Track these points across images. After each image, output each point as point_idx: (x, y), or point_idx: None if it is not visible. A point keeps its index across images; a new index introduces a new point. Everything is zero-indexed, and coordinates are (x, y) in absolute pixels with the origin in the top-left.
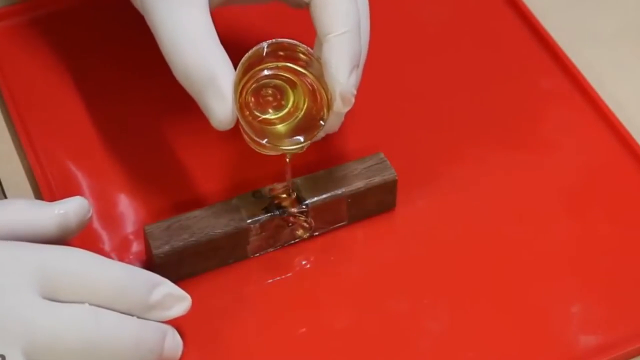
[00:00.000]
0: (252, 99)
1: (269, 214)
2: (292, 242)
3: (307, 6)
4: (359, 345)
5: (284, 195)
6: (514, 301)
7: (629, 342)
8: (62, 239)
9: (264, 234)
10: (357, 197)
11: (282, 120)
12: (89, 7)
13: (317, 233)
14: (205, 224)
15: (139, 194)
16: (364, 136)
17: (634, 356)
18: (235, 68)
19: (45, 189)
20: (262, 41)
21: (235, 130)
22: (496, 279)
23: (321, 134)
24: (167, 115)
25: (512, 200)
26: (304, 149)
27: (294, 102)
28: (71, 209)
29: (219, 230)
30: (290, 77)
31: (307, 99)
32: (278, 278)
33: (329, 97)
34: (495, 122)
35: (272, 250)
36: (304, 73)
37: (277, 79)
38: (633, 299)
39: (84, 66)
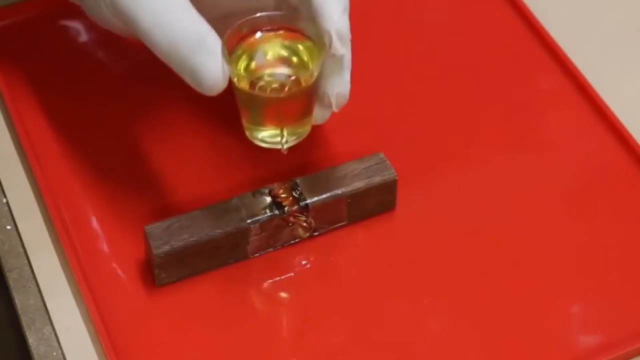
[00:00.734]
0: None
1: (269, 214)
2: (292, 242)
3: None
4: (359, 345)
5: (284, 195)
6: (514, 301)
7: (629, 342)
8: None
9: (264, 234)
10: (357, 197)
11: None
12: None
13: (317, 233)
14: (205, 224)
15: (139, 194)
16: (364, 136)
17: (634, 356)
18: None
19: (45, 189)
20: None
21: (235, 130)
22: (496, 279)
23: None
24: (167, 115)
25: (512, 200)
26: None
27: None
28: None
29: (219, 230)
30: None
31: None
32: (278, 278)
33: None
34: (495, 122)
35: (272, 250)
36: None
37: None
38: (633, 299)
39: (84, 66)
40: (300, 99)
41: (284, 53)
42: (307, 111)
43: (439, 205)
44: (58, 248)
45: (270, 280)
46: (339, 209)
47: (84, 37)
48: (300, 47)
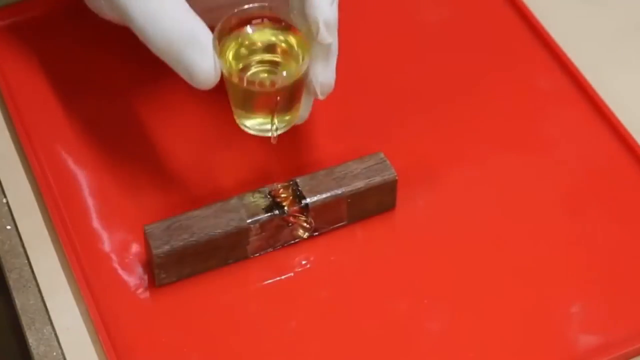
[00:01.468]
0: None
1: (269, 214)
2: (292, 242)
3: None
4: (359, 345)
5: (284, 195)
6: (513, 301)
7: (629, 342)
8: None
9: (264, 234)
10: (357, 197)
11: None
12: (89, 7)
13: (317, 233)
14: (205, 223)
15: (139, 194)
16: (364, 136)
17: (634, 356)
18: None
19: (45, 189)
20: None
21: (236, 130)
22: (496, 278)
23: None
24: (167, 115)
25: (512, 200)
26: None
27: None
28: None
29: (219, 230)
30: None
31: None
32: (278, 278)
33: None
34: (495, 122)
35: (272, 250)
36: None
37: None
38: (633, 299)
39: (83, 66)
40: (290, 90)
41: (274, 40)
42: (296, 101)
43: (439, 205)
44: (58, 248)
45: (270, 280)
46: (339, 209)
47: (84, 37)
48: (291, 37)
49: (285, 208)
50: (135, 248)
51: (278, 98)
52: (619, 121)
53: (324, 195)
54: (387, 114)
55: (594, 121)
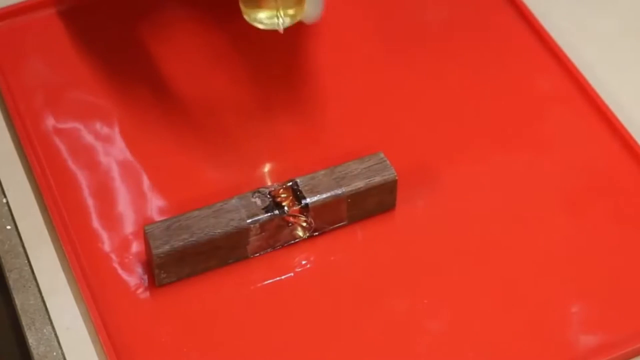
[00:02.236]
0: None
1: (269, 214)
2: (292, 242)
3: None
4: (359, 345)
5: (284, 195)
6: (513, 301)
7: (629, 342)
8: None
9: (264, 234)
10: (357, 197)
11: None
12: (89, 7)
13: (317, 233)
14: (205, 224)
15: (139, 194)
16: (364, 136)
17: (634, 356)
18: None
19: (45, 189)
20: None
21: (236, 130)
22: (496, 278)
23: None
24: (167, 115)
25: (512, 200)
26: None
27: None
28: None
29: (219, 230)
30: None
31: None
32: (278, 278)
33: None
34: (495, 122)
35: (272, 250)
36: None
37: None
38: (633, 299)
39: (83, 66)
40: None
41: None
42: None
43: (439, 205)
44: (58, 248)
45: (270, 280)
46: (339, 209)
47: (83, 37)
48: None
49: (285, 208)
50: (135, 248)
51: None
52: (619, 121)
53: (324, 195)
54: (387, 114)
55: (594, 121)
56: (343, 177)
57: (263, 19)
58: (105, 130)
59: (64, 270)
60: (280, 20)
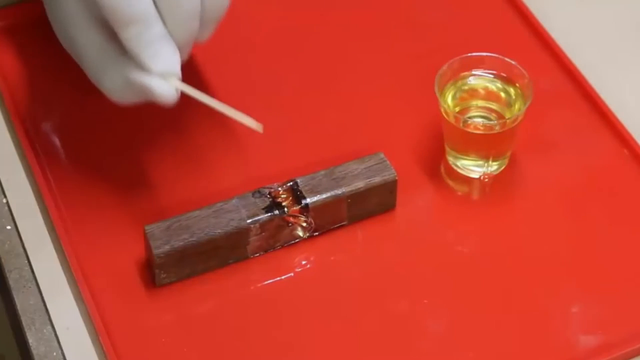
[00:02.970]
0: None
1: (269, 214)
2: (292, 242)
3: None
4: (360, 345)
5: (284, 195)
6: (514, 301)
7: (629, 342)
8: None
9: (264, 234)
10: (357, 197)
11: None
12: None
13: (317, 233)
14: (205, 224)
15: (139, 194)
16: (364, 136)
17: (634, 356)
18: None
19: (45, 189)
20: None
21: (235, 130)
22: (496, 279)
23: None
24: (167, 115)
25: (511, 200)
26: None
27: None
28: None
29: (219, 230)
30: None
31: None
32: (278, 278)
33: None
34: None
35: (272, 250)
36: None
37: None
38: (633, 299)
39: None
40: (501, 137)
41: (493, 88)
42: (507, 147)
43: (439, 205)
44: (58, 248)
45: (270, 280)
46: (339, 209)
47: None
48: (510, 88)
49: (285, 208)
50: (135, 248)
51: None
52: (618, 121)
53: (324, 195)
54: (387, 114)
55: (594, 121)
56: (343, 177)
57: (467, 165)
58: (105, 130)
59: (64, 270)
60: (488, 168)
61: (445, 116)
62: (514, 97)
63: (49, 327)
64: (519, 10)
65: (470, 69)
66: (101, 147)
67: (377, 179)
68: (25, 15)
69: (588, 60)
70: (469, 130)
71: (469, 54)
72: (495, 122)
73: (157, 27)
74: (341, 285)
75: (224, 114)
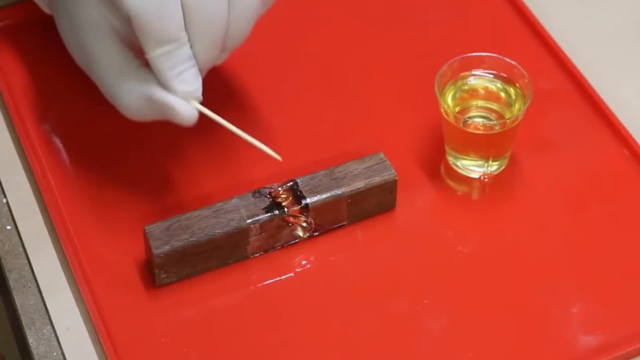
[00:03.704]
0: None
1: (269, 214)
2: (292, 242)
3: None
4: (360, 345)
5: (284, 195)
6: (513, 301)
7: (629, 342)
8: None
9: (264, 234)
10: (357, 197)
11: None
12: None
13: (317, 233)
14: (205, 224)
15: (139, 194)
16: (364, 136)
17: (634, 356)
18: None
19: (45, 189)
20: None
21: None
22: (496, 279)
23: None
24: None
25: (512, 200)
26: None
27: None
28: None
29: (219, 230)
30: None
31: None
32: (278, 278)
33: None
34: None
35: (272, 250)
36: None
37: None
38: (633, 299)
39: None
40: (501, 137)
41: (493, 88)
42: (507, 148)
43: (439, 205)
44: (58, 248)
45: (270, 280)
46: (339, 209)
47: None
48: (510, 88)
49: (285, 208)
50: (135, 248)
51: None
52: (618, 121)
53: (324, 195)
54: (387, 114)
55: (594, 121)
56: (343, 177)
57: (467, 165)
58: (105, 130)
59: (64, 270)
60: (488, 169)
61: (445, 116)
62: (514, 97)
63: (49, 327)
64: (519, 10)
65: (470, 69)
66: (101, 147)
67: (377, 179)
68: (25, 15)
69: (588, 60)
70: (469, 130)
71: (469, 54)
72: (495, 122)
73: (186, 49)
74: (341, 285)
75: (244, 139)
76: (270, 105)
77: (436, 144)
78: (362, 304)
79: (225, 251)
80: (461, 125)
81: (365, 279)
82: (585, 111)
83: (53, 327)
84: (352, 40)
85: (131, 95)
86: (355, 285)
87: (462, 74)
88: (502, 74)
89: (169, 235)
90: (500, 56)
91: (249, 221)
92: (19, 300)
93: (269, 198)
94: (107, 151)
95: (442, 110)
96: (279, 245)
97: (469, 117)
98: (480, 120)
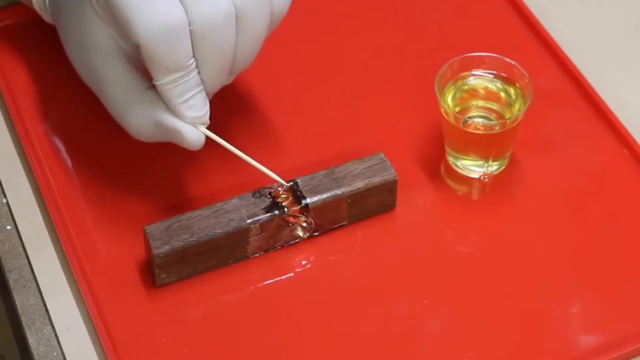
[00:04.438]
0: None
1: (269, 214)
2: (292, 242)
3: None
4: (359, 345)
5: (284, 195)
6: (513, 301)
7: (629, 342)
8: None
9: (264, 234)
10: (357, 197)
11: None
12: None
13: (317, 233)
14: (205, 224)
15: (139, 194)
16: (364, 136)
17: (634, 356)
18: None
19: (45, 189)
20: None
21: (235, 130)
22: (496, 279)
23: None
24: None
25: (512, 200)
26: None
27: None
28: None
29: (219, 230)
30: None
31: None
32: (278, 278)
33: None
34: None
35: (272, 250)
36: None
37: None
38: (633, 299)
39: None
40: (501, 137)
41: (493, 88)
42: (507, 148)
43: (439, 205)
44: (58, 248)
45: (270, 280)
46: (339, 209)
47: None
48: (510, 88)
49: (285, 208)
50: (135, 248)
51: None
52: (618, 121)
53: (324, 196)
54: (387, 114)
55: (594, 121)
56: (343, 177)
57: (467, 165)
58: (105, 130)
59: (64, 270)
60: (488, 169)
61: (445, 116)
62: (514, 97)
63: (49, 327)
64: (519, 10)
65: (470, 69)
66: (101, 147)
67: (377, 179)
68: (25, 15)
69: (588, 60)
70: (469, 130)
71: (469, 54)
72: (495, 122)
73: (194, 76)
74: (341, 285)
75: (251, 164)
76: (271, 105)
77: (436, 144)
78: (362, 304)
79: (225, 251)
80: (461, 125)
81: (365, 279)
82: (585, 111)
83: (53, 327)
84: (352, 40)
85: (139, 118)
86: (355, 285)
87: (462, 74)
88: (502, 74)
89: (169, 235)
90: (500, 56)
91: (249, 221)
92: (19, 300)
93: (269, 198)
94: (107, 151)
95: (442, 110)
96: (279, 245)
97: (469, 117)
98: (480, 120)
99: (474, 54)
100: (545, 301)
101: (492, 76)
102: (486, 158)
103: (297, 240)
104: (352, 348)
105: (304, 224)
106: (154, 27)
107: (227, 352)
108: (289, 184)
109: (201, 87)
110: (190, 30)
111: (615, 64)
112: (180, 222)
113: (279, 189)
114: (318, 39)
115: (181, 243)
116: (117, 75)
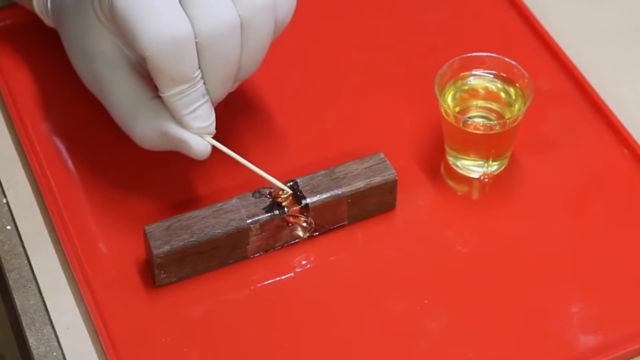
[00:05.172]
0: None
1: (269, 214)
2: (292, 242)
3: None
4: (360, 345)
5: (284, 195)
6: (513, 301)
7: (629, 342)
8: None
9: (264, 234)
10: (357, 197)
11: None
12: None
13: (317, 233)
14: (205, 224)
15: (139, 194)
16: (364, 136)
17: (634, 356)
18: None
19: (45, 189)
20: None
21: (235, 130)
22: (496, 278)
23: None
24: None
25: (512, 200)
26: None
27: None
28: None
29: (219, 230)
30: None
31: None
32: (278, 278)
33: None
34: None
35: (272, 250)
36: None
37: None
38: (633, 298)
39: None
40: (501, 137)
41: (493, 88)
42: (507, 148)
43: (439, 205)
44: (58, 248)
45: (270, 280)
46: (339, 209)
47: None
48: (510, 88)
49: (285, 208)
50: (135, 248)
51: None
52: (618, 120)
53: (324, 195)
54: (387, 114)
55: (594, 121)
56: (343, 177)
57: (467, 165)
58: (105, 130)
59: (64, 270)
60: (488, 169)
61: (445, 116)
62: (514, 97)
63: (49, 327)
64: (519, 10)
65: (470, 69)
66: (101, 147)
67: (377, 179)
68: (25, 16)
69: (588, 60)
70: (469, 130)
71: (469, 54)
72: (495, 122)
73: (200, 87)
74: (341, 285)
75: (255, 172)
76: (271, 105)
77: (436, 144)
78: (362, 304)
79: (225, 251)
80: (461, 125)
81: (365, 279)
82: (585, 111)
83: (53, 327)
84: (352, 40)
85: (145, 128)
86: (355, 285)
87: (462, 74)
88: (502, 74)
89: (169, 235)
90: (500, 56)
91: (249, 221)
92: (19, 300)
93: (269, 198)
94: (107, 151)
95: (442, 110)
96: (279, 245)
97: (469, 117)
98: (480, 120)
99: (474, 54)
100: (545, 301)
101: (492, 76)
102: (486, 158)
103: (297, 240)
104: (352, 348)
105: (304, 224)
106: (160, 39)
107: (227, 352)
108: (289, 184)
109: (207, 97)
110: (195, 41)
111: (615, 64)
112: (180, 222)
113: (279, 189)
114: (318, 39)
115: (181, 243)
116: (122, 84)
